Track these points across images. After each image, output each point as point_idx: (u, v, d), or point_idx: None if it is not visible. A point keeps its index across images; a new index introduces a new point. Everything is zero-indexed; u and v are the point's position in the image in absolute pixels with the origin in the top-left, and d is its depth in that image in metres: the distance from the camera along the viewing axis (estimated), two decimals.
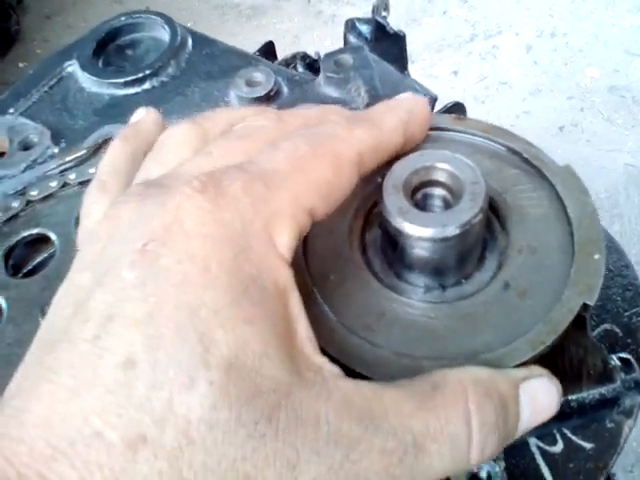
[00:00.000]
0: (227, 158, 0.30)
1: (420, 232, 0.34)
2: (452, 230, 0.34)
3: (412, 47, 1.99)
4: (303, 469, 0.24)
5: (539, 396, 0.32)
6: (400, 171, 0.36)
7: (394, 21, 0.85)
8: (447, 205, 0.37)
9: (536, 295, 0.36)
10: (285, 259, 0.28)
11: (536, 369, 0.33)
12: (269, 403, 0.24)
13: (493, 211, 0.39)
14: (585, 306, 0.35)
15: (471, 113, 0.77)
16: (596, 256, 0.36)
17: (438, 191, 0.37)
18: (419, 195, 0.37)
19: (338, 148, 0.31)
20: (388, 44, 0.87)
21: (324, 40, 1.99)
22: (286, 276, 0.28)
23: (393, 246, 0.37)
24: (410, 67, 0.90)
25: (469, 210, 0.34)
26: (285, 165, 0.29)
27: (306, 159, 0.30)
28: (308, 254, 0.39)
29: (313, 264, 0.38)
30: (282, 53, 0.81)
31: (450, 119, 0.44)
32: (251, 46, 0.76)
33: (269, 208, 0.28)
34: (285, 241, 0.28)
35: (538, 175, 0.40)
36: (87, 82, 0.61)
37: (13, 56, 2.07)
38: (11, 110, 0.59)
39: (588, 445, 0.42)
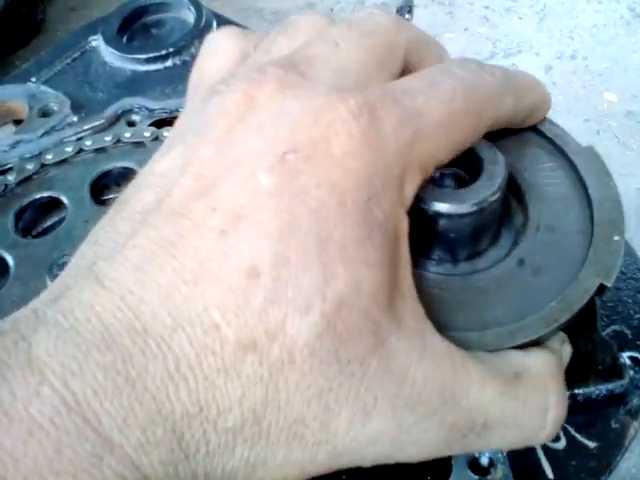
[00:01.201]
0: (353, 55, 0.29)
1: (435, 207, 0.34)
2: (468, 207, 0.34)
3: None
4: (374, 419, 0.25)
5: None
6: None
7: None
8: (464, 184, 0.36)
9: (551, 273, 0.35)
10: (407, 208, 0.29)
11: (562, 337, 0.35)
12: (366, 346, 0.25)
13: (511, 189, 0.38)
14: (601, 287, 0.34)
15: None
16: (615, 237, 0.36)
17: (455, 170, 0.37)
18: (436, 172, 0.37)
19: (487, 110, 0.31)
20: None
21: None
22: (404, 225, 0.28)
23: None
24: None
25: (487, 188, 0.34)
26: (438, 114, 0.28)
27: (458, 114, 0.29)
28: None
29: None
30: None
31: None
32: None
33: (410, 157, 0.27)
34: (411, 192, 0.29)
35: (560, 154, 0.40)
36: (110, 56, 0.61)
37: (36, 45, 2.09)
38: (33, 79, 0.59)
39: (592, 444, 0.41)
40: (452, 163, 0.37)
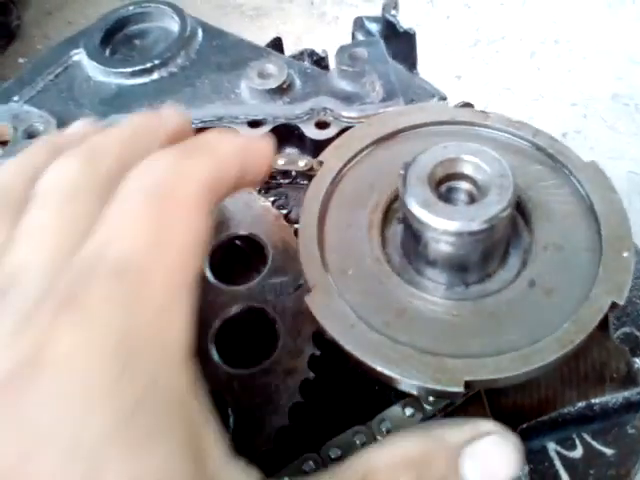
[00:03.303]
0: (59, 237, 0.25)
1: (445, 225, 0.33)
2: (479, 224, 0.33)
3: None
4: None
5: (490, 457, 0.29)
6: (424, 163, 0.35)
7: None
8: (472, 199, 0.36)
9: (563, 293, 0.35)
10: (182, 356, 0.24)
11: (484, 424, 0.30)
12: None
13: (517, 208, 0.37)
14: (614, 305, 0.34)
15: None
16: (625, 254, 0.35)
17: (463, 184, 0.36)
18: (443, 188, 0.36)
19: (181, 193, 0.26)
20: (398, 42, 0.86)
21: (326, 42, 1.98)
22: (184, 378, 0.24)
23: (415, 241, 0.35)
24: None
25: (497, 204, 0.33)
26: (142, 241, 0.24)
27: (158, 225, 0.25)
28: (325, 247, 0.37)
29: (330, 258, 0.37)
30: (286, 54, 0.80)
31: (472, 113, 0.43)
32: None
33: (149, 298, 0.24)
34: (178, 332, 0.24)
35: (563, 171, 0.39)
36: (94, 71, 0.59)
37: (13, 51, 2.05)
38: (15, 98, 0.57)
39: (609, 451, 0.41)
40: (460, 177, 0.36)
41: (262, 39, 0.82)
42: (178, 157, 0.28)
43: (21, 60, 2.02)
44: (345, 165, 0.41)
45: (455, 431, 0.29)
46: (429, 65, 1.96)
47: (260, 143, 0.32)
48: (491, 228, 0.33)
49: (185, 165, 0.27)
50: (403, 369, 0.32)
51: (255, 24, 2.13)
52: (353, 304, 0.35)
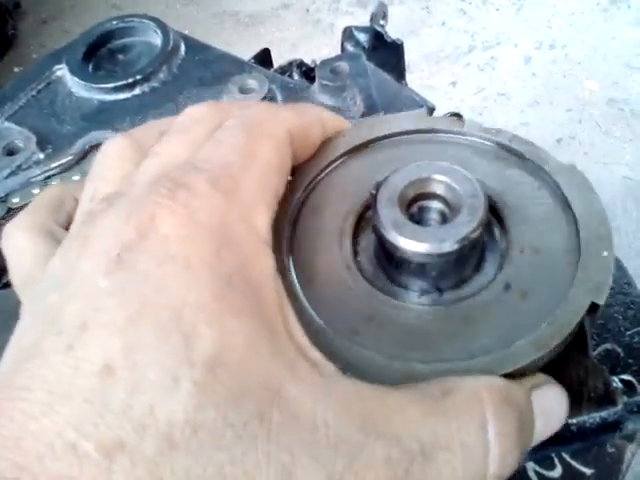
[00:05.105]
0: (172, 155, 0.30)
1: (416, 247, 0.33)
2: (449, 245, 0.33)
3: (410, 58, 1.98)
4: (299, 476, 0.22)
5: (551, 404, 0.31)
6: (395, 182, 0.35)
7: (393, 32, 0.84)
8: (444, 219, 0.35)
9: (539, 296, 0.34)
10: (267, 242, 0.29)
11: (542, 377, 0.31)
12: (260, 401, 0.23)
13: (493, 212, 0.37)
14: (593, 306, 0.33)
15: None
16: (604, 253, 0.34)
17: (435, 204, 0.35)
18: (414, 208, 0.35)
19: (269, 128, 0.32)
20: (386, 53, 0.86)
21: (322, 49, 1.99)
22: (271, 261, 0.28)
23: (387, 257, 0.35)
24: (408, 78, 0.88)
25: (467, 224, 0.33)
26: (235, 156, 0.30)
27: (249, 146, 0.30)
28: (294, 253, 0.37)
29: (300, 264, 0.36)
30: (280, 62, 0.80)
31: (448, 121, 0.43)
32: (249, 55, 0.75)
33: (241, 197, 0.28)
34: (264, 224, 0.29)
35: (541, 174, 0.39)
36: (76, 87, 0.59)
37: (8, 60, 2.06)
38: None
39: (588, 470, 0.40)
40: (431, 196, 0.36)
41: (257, 47, 0.82)
42: (271, 106, 0.35)
43: (16, 69, 2.02)
44: (318, 174, 0.40)
45: (524, 378, 0.31)
46: (424, 72, 1.97)
47: (337, 116, 0.39)
48: (462, 248, 0.33)
49: (275, 111, 0.34)
50: (369, 376, 0.31)
51: (250, 32, 2.13)
52: (321, 311, 0.34)
